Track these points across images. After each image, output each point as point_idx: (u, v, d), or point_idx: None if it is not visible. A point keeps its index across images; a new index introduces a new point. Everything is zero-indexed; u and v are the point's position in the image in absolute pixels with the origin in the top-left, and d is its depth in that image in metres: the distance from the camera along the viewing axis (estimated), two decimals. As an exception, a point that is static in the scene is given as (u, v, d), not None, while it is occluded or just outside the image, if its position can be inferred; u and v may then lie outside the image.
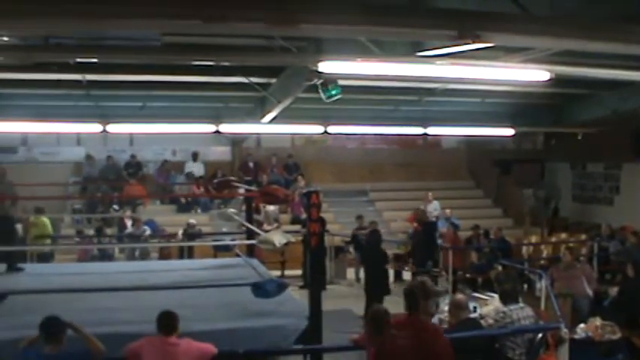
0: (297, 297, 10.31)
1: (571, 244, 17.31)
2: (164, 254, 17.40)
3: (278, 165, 23.38)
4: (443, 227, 19.02)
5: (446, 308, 9.20)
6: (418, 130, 20.63)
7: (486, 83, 15.20)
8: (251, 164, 23.04)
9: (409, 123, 20.47)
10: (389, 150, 25.39)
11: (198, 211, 21.71)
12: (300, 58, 12.48)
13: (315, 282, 9.06)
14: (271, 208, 19.48)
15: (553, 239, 20.59)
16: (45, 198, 17.48)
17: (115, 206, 20.84)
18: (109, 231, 19.42)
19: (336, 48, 11.06)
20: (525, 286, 15.68)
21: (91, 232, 19.13)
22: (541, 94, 18.00)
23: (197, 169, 22.89)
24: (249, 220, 14.00)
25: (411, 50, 10.66)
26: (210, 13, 7.22)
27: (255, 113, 18.62)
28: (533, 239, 20.89)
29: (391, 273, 16.51)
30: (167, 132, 19.79)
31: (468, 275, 17.04)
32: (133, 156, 22.55)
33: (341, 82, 13.47)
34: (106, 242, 18.46)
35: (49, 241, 17.66)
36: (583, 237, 20.11)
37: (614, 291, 13.12)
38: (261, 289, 8.58)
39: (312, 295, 8.70)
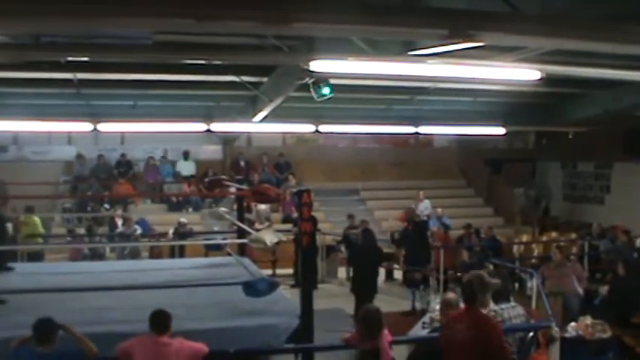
0: (288, 296, 10.31)
1: (562, 243, 17.37)
2: (155, 253, 17.37)
3: (269, 164, 23.37)
4: (434, 226, 19.03)
5: (437, 307, 9.21)
6: (410, 129, 20.62)
7: (478, 82, 15.21)
8: (242, 163, 23.05)
9: (401, 122, 20.47)
10: (380, 149, 25.44)
11: (190, 210, 21.72)
12: (292, 57, 12.46)
13: (306, 281, 9.07)
14: (262, 207, 19.48)
15: (544, 238, 20.64)
16: (36, 197, 17.44)
17: (106, 205, 20.81)
18: (99, 230, 19.39)
19: (328, 47, 11.05)
20: (516, 285, 15.72)
21: (81, 231, 19.08)
22: (532, 94, 18.02)
23: (188, 168, 22.88)
24: (241, 219, 13.99)
25: (402, 49, 10.66)
26: (202, 12, 7.20)
27: (246, 112, 18.59)
28: (524, 238, 20.93)
29: (382, 272, 16.52)
30: (158, 131, 19.73)
31: (458, 274, 17.04)
32: (123, 155, 22.53)
33: (332, 81, 13.46)
34: (97, 241, 18.43)
35: (40, 240, 17.61)
36: (574, 236, 20.17)
37: (604, 290, 13.16)
38: (252, 288, 8.58)
39: (303, 294, 8.70)
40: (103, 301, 9.02)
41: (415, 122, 20.15)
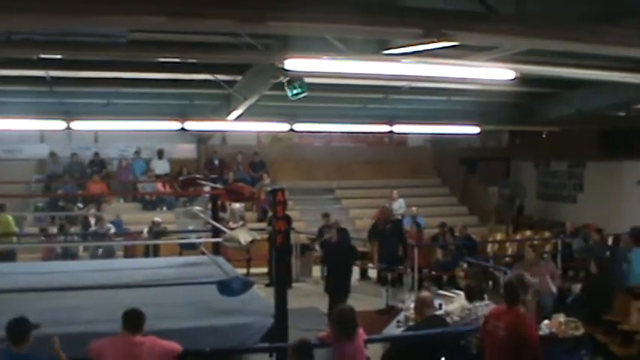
0: (262, 295, 10.30)
1: (535, 242, 17.47)
2: (130, 252, 17.29)
3: (244, 163, 23.32)
4: (408, 225, 19.07)
5: (411, 305, 9.24)
6: (384, 128, 20.64)
7: (452, 82, 15.26)
8: (217, 162, 23.01)
9: (375, 121, 20.47)
10: (355, 148, 25.48)
11: (164, 208, 21.63)
12: (266, 55, 12.43)
13: (280, 280, 9.06)
14: (237, 206, 19.45)
15: (518, 237, 20.76)
16: (7, 196, 17.27)
17: (80, 204, 20.67)
18: (72, 229, 19.25)
19: (303, 45, 11.03)
20: (490, 283, 15.81)
21: (54, 230, 18.94)
22: (506, 93, 18.10)
23: (162, 166, 22.78)
24: (215, 217, 13.96)
25: (377, 48, 10.66)
26: (175, 10, 7.17)
27: (220, 111, 18.52)
28: (498, 237, 21.05)
29: (356, 271, 16.54)
30: (132, 129, 19.59)
31: (433, 273, 17.11)
32: (96, 154, 22.40)
33: (307, 80, 13.43)
34: (70, 240, 18.30)
35: (13, 239, 17.47)
36: (547, 234, 20.32)
37: (577, 288, 13.25)
38: (226, 288, 8.55)
39: (277, 293, 8.70)
40: (76, 301, 8.96)
41: (390, 121, 20.17)
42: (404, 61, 10.21)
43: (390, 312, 13.57)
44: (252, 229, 13.30)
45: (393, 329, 9.67)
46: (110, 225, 17.73)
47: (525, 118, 21.07)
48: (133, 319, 6.88)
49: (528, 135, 23.86)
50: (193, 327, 8.09)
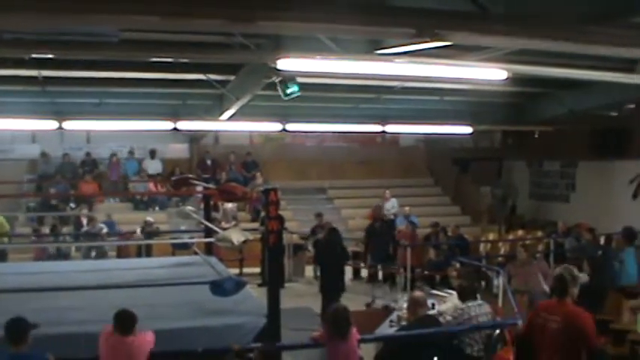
0: (255, 295, 10.27)
1: (527, 242, 17.49)
2: (122, 253, 17.25)
3: (236, 162, 23.30)
4: (401, 225, 19.07)
5: (404, 305, 9.24)
6: (377, 128, 20.64)
7: (445, 81, 15.28)
8: (209, 162, 23.00)
9: (368, 121, 20.48)
10: (348, 148, 25.49)
11: (156, 208, 21.60)
12: (259, 55, 12.44)
13: (273, 280, 9.04)
14: (229, 205, 19.43)
15: (510, 236, 20.77)
16: (-1, 196, 17.24)
17: (72, 204, 20.62)
18: (64, 229, 19.20)
19: (295, 45, 11.03)
20: (483, 283, 15.83)
21: (46, 230, 18.88)
22: (499, 93, 18.13)
23: (155, 166, 22.74)
24: (208, 217, 13.92)
25: (369, 48, 10.67)
26: (168, 9, 7.16)
27: (213, 111, 18.52)
28: (491, 236, 21.07)
29: (349, 270, 16.55)
30: (124, 129, 19.56)
31: (426, 272, 17.13)
32: (88, 154, 22.35)
33: (299, 80, 13.44)
34: (62, 241, 18.25)
35: (6, 239, 17.41)
36: (539, 234, 20.33)
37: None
38: (219, 288, 8.52)
39: (270, 293, 8.67)
40: (68, 302, 8.91)
41: (382, 121, 20.17)
42: (396, 60, 10.23)
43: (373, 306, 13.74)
44: (245, 229, 13.26)
45: (386, 329, 9.68)
46: (102, 225, 17.69)
47: (518, 118, 21.12)
48: (125, 320, 6.86)
49: (521, 135, 23.92)
50: (186, 327, 8.06)
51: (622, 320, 11.02)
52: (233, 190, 11.67)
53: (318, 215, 18.53)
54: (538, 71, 12.93)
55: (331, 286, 13.29)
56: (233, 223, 18.58)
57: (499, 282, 13.13)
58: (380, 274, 17.00)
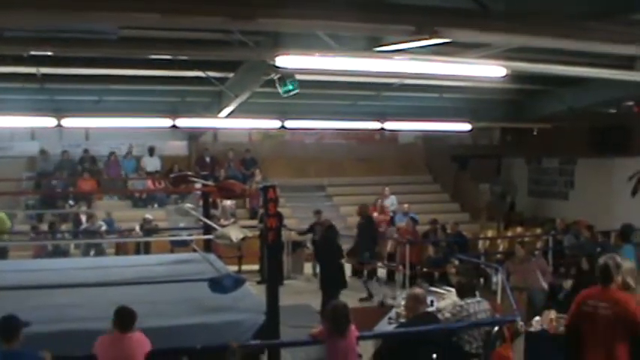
0: (254, 292, 10.29)
1: (526, 239, 17.49)
2: (121, 250, 17.24)
3: (235, 160, 23.30)
4: (401, 222, 19.06)
5: (403, 302, 9.24)
6: (376, 125, 20.62)
7: (443, 79, 15.26)
8: (208, 159, 23.00)
9: (367, 118, 20.46)
10: (346, 145, 25.49)
11: (155, 206, 21.59)
12: (258, 52, 12.40)
13: (272, 277, 9.04)
14: (228, 203, 19.42)
15: (509, 234, 20.81)
16: (-2, 193, 17.25)
17: (71, 202, 20.61)
18: (63, 227, 19.18)
19: (294, 42, 11.01)
20: (482, 280, 15.84)
21: (45, 227, 18.87)
22: (498, 90, 18.13)
23: (153, 163, 22.73)
24: (206, 215, 13.93)
25: (368, 45, 10.66)
26: (167, 7, 7.15)
27: (212, 108, 18.49)
28: (490, 234, 21.09)
29: (348, 267, 16.54)
30: (123, 126, 19.54)
31: (425, 269, 17.13)
32: (86, 151, 22.33)
33: (298, 77, 13.43)
34: (61, 238, 18.23)
35: (6, 237, 17.41)
36: (538, 231, 20.33)
37: (568, 284, 13.30)
38: (218, 285, 8.53)
39: (269, 290, 8.68)
40: (67, 299, 8.92)
41: (381, 118, 20.15)
42: (395, 58, 10.22)
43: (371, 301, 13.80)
44: (244, 227, 13.24)
45: (385, 326, 9.68)
46: (101, 222, 17.68)
47: (517, 115, 21.10)
48: (125, 317, 6.87)
49: (520, 132, 23.92)
50: (185, 324, 8.07)
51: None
52: (232, 187, 11.65)
53: (317, 212, 18.51)
54: (537, 68, 12.92)
55: (331, 283, 13.31)
56: (232, 220, 18.56)
57: (498, 279, 13.15)
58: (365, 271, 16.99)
